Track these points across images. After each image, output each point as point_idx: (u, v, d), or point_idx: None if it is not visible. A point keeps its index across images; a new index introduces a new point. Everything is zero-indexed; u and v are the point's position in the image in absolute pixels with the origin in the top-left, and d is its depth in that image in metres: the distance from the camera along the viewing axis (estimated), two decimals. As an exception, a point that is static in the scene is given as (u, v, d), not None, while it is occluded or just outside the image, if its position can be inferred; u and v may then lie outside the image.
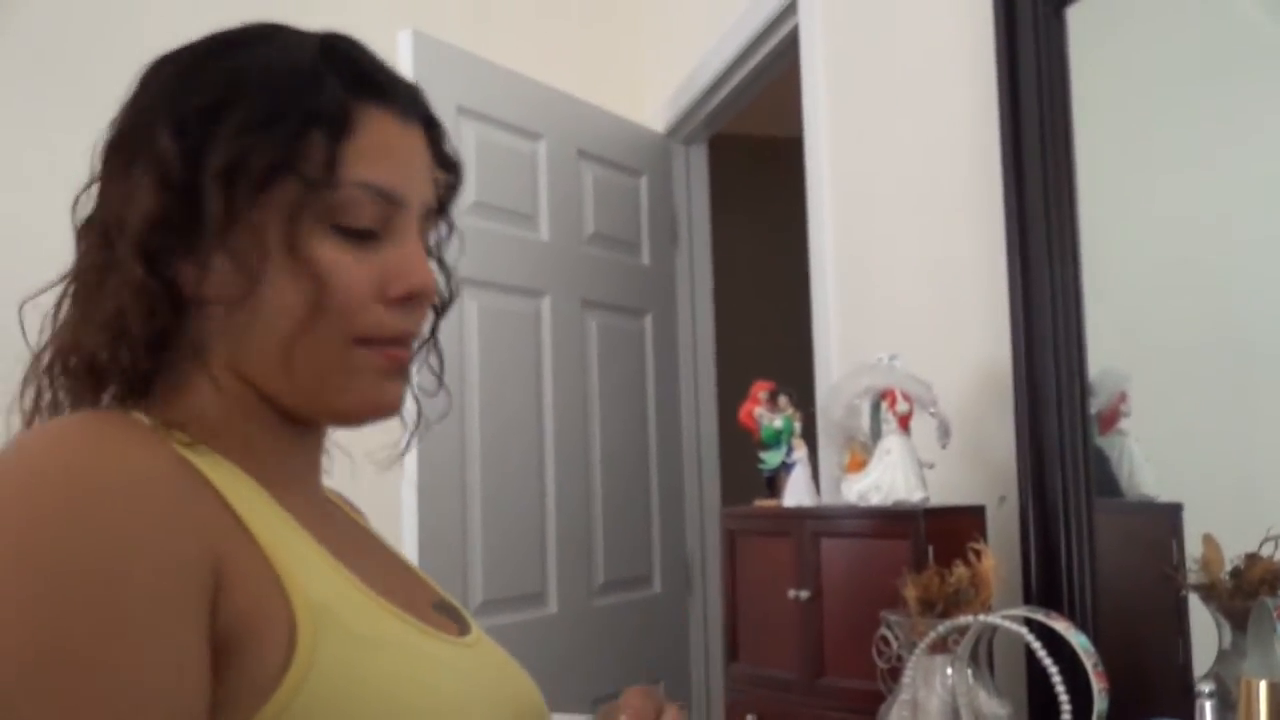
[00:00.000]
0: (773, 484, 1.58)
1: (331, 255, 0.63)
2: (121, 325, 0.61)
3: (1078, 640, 1.07)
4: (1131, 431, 1.38)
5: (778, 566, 1.43)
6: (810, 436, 1.60)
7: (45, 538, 0.51)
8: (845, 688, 1.32)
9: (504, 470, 2.35)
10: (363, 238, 0.64)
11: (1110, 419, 1.39)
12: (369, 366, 0.66)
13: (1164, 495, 1.36)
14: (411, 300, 0.67)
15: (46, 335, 0.65)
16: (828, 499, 1.65)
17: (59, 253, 0.70)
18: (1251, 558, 1.19)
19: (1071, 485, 1.30)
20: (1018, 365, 1.36)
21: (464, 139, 2.32)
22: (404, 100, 0.68)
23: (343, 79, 0.65)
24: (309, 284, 0.62)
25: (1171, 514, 1.31)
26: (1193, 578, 1.24)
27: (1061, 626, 1.08)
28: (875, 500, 1.34)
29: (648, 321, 2.86)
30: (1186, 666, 1.24)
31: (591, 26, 3.19)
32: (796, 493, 1.47)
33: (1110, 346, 1.35)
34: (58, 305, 0.65)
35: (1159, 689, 1.26)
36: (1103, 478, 1.36)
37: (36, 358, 0.65)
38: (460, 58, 2.36)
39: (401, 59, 2.26)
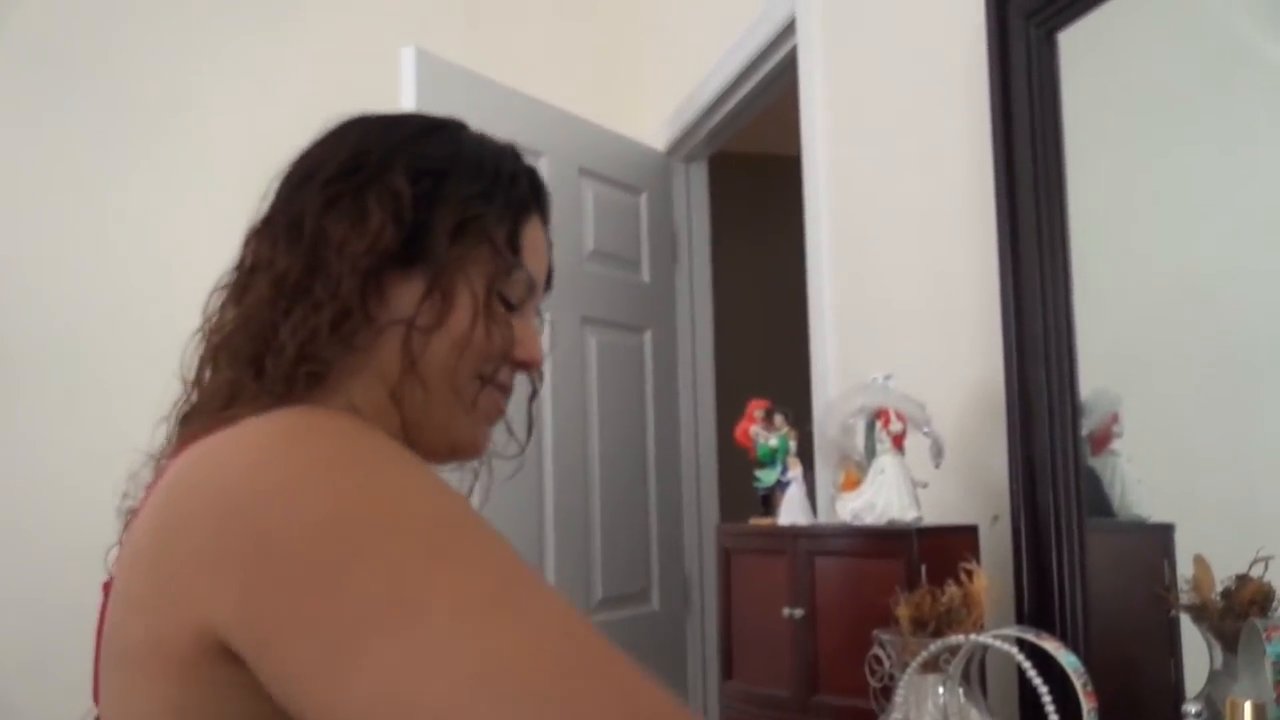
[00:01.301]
0: (768, 502, 1.59)
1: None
2: (316, 327, 0.68)
3: (1067, 660, 1.08)
4: (1124, 452, 1.38)
5: (772, 584, 1.44)
6: (807, 455, 1.61)
7: (387, 460, 0.59)
8: (838, 706, 1.33)
9: (502, 485, 2.35)
10: (509, 309, 0.77)
11: (1102, 439, 1.40)
12: (486, 406, 0.78)
13: (1156, 515, 1.37)
14: (528, 368, 0.81)
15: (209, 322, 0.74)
16: (824, 518, 1.66)
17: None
18: (1242, 579, 1.19)
19: (1063, 505, 1.31)
20: (1010, 385, 1.37)
21: (465, 157, 2.34)
22: (548, 213, 0.84)
23: (527, 183, 0.81)
24: (485, 327, 0.74)
25: (1163, 534, 1.32)
26: (1184, 598, 1.25)
27: (1051, 646, 1.09)
28: (869, 519, 1.35)
29: (647, 338, 2.87)
30: (1178, 687, 1.25)
31: (592, 45, 3.22)
32: (791, 511, 1.48)
33: (1103, 367, 1.36)
34: (230, 297, 0.74)
35: (1150, 710, 1.26)
36: (1095, 498, 1.37)
37: (208, 342, 0.73)
38: (462, 76, 2.38)
39: (404, 76, 2.28)
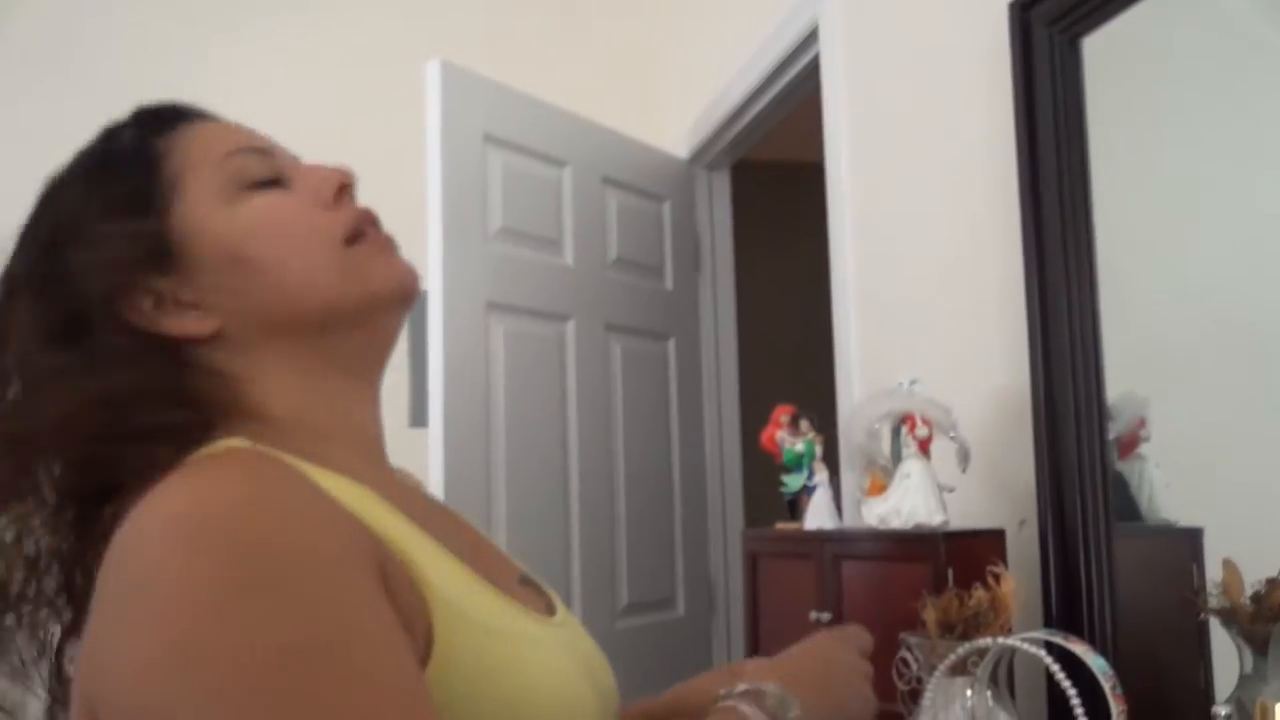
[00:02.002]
0: (794, 507, 1.59)
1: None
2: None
3: (1095, 663, 1.08)
4: (1151, 456, 1.38)
5: (799, 589, 1.44)
6: (833, 460, 1.62)
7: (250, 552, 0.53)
8: (867, 710, 1.33)
9: (528, 492, 2.38)
10: (268, 186, 0.73)
11: (1130, 443, 1.40)
12: (370, 251, 0.73)
13: (1184, 520, 1.37)
14: (341, 193, 0.75)
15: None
16: (849, 522, 1.67)
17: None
18: (1272, 582, 1.19)
19: (1091, 509, 1.31)
20: (1036, 390, 1.37)
21: (490, 166, 2.36)
22: (193, 112, 0.77)
23: (134, 129, 0.75)
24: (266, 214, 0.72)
25: (1192, 538, 1.32)
26: (1213, 602, 1.25)
27: (1080, 649, 1.09)
28: (895, 523, 1.36)
29: (671, 345, 2.88)
30: (1208, 691, 1.25)
31: (615, 54, 3.24)
32: (818, 515, 1.49)
33: (1130, 371, 1.36)
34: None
35: (1180, 713, 1.26)
36: (1123, 502, 1.37)
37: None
38: (486, 87, 2.40)
39: (429, 88, 2.31)
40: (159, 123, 0.73)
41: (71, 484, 0.65)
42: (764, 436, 1.62)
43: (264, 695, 0.48)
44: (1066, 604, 1.31)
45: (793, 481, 1.58)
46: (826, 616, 1.38)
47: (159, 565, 0.52)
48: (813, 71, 2.30)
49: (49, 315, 0.67)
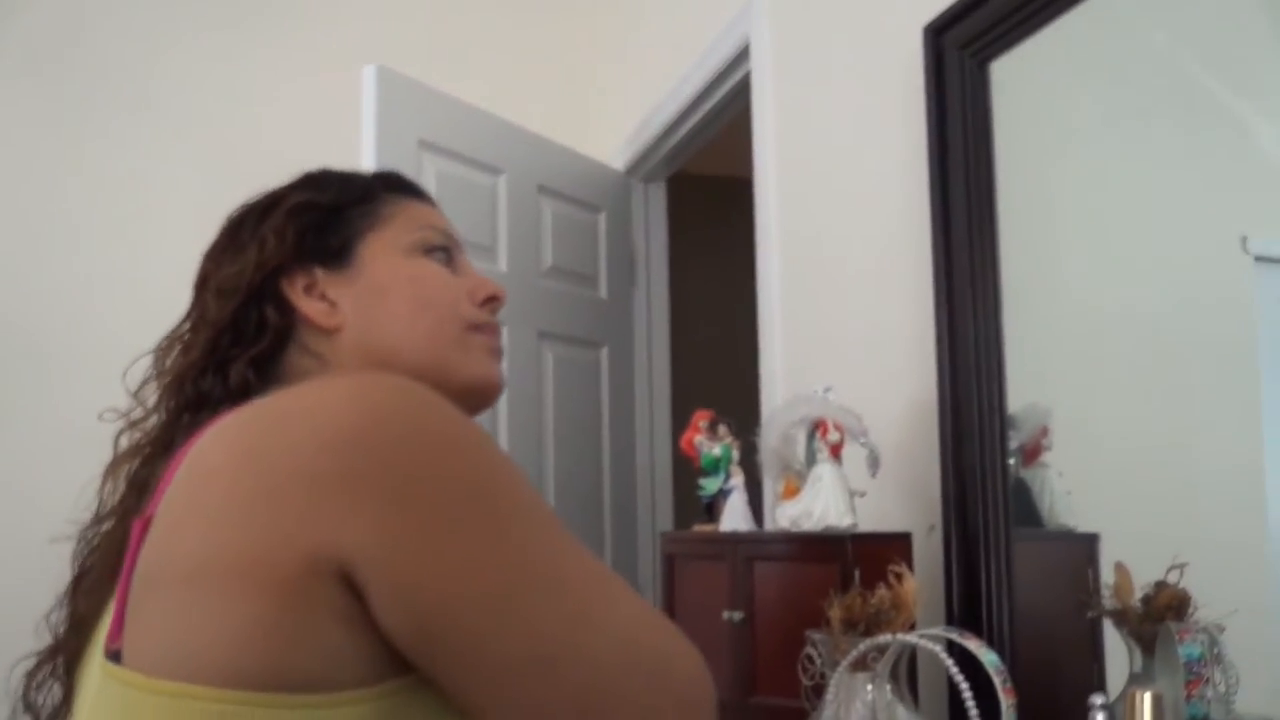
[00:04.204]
0: (711, 510, 1.63)
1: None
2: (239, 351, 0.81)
3: (987, 658, 1.13)
4: (1053, 465, 1.44)
5: (713, 589, 1.48)
6: (755, 465, 1.65)
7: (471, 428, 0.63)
8: (775, 706, 1.37)
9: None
10: (440, 256, 0.88)
11: (1033, 452, 1.46)
12: (475, 345, 0.86)
13: (1082, 525, 1.43)
14: (491, 301, 0.90)
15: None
16: (769, 525, 1.71)
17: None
18: (1160, 585, 1.25)
19: (992, 514, 1.36)
20: (943, 399, 1.43)
21: (425, 172, 2.37)
22: (421, 194, 0.94)
23: (380, 180, 0.93)
24: (422, 276, 0.88)
25: (1089, 543, 1.38)
26: (1106, 604, 1.30)
27: (973, 645, 1.14)
28: (806, 525, 1.40)
29: (604, 354, 2.91)
30: (1100, 688, 1.30)
31: (553, 65, 3.27)
32: (733, 518, 1.52)
33: (1034, 384, 1.42)
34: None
35: (1072, 710, 1.31)
36: (1025, 508, 1.42)
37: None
38: (423, 93, 2.42)
39: (365, 93, 2.31)
40: (400, 185, 0.91)
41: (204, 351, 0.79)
42: (683, 440, 1.65)
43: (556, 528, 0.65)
44: (967, 605, 1.36)
45: (709, 485, 1.61)
46: (739, 616, 1.41)
47: (434, 425, 0.61)
48: (745, 88, 2.35)
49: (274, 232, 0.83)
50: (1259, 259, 1.17)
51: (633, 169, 3.03)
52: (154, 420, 0.79)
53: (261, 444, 0.60)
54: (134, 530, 0.63)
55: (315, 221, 0.84)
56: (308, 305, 0.81)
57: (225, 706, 0.55)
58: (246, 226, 0.85)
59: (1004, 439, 1.38)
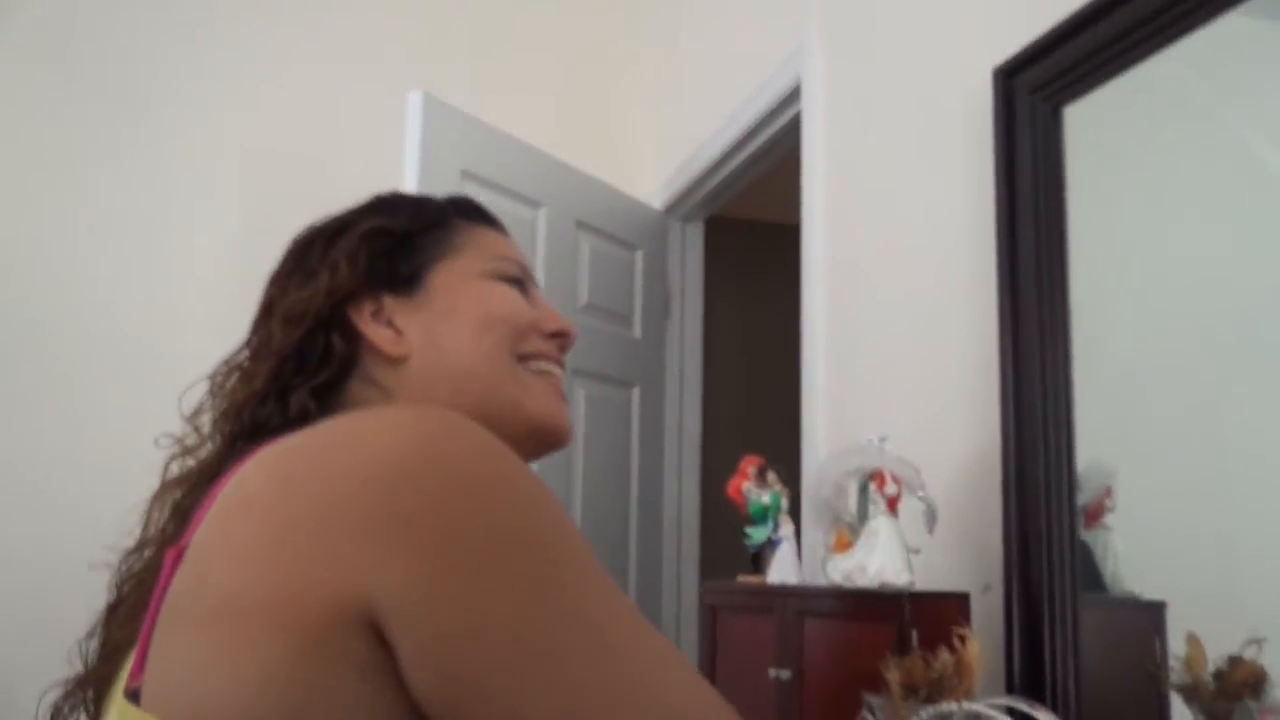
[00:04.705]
0: (757, 560, 1.57)
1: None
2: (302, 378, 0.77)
3: (1060, 732, 1.06)
4: (1115, 526, 1.38)
5: (758, 644, 1.42)
6: (794, 515, 1.60)
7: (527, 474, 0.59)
8: (823, 771, 1.30)
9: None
10: (514, 285, 0.84)
11: (1095, 513, 1.39)
12: (539, 384, 0.82)
13: (1147, 593, 1.36)
14: (560, 336, 0.85)
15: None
16: (809, 578, 1.64)
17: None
18: (1234, 660, 1.19)
19: (1058, 576, 1.30)
20: (1007, 455, 1.37)
21: (466, 203, 2.34)
22: (495, 223, 0.91)
23: (452, 205, 0.90)
24: (492, 300, 0.84)
25: (1154, 612, 1.31)
26: (1175, 677, 1.24)
27: (1045, 718, 1.07)
28: (861, 581, 1.34)
29: (635, 394, 2.86)
30: (1169, 767, 1.23)
31: (597, 100, 3.25)
32: (782, 570, 1.46)
33: (1098, 441, 1.36)
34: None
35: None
36: (1086, 572, 1.36)
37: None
38: (467, 123, 2.39)
39: (409, 119, 2.29)
40: (475, 212, 0.88)
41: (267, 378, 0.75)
42: (730, 486, 1.59)
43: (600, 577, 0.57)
44: (1029, 671, 1.30)
45: (757, 534, 1.55)
46: (786, 674, 1.35)
47: (481, 466, 0.57)
48: (792, 129, 2.32)
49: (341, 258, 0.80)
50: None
51: (671, 208, 3.00)
52: (207, 449, 0.76)
53: (300, 473, 0.56)
54: (166, 560, 0.59)
55: (387, 247, 0.81)
56: (375, 332, 0.78)
57: None
58: (315, 251, 0.81)
59: (1072, 496, 1.32)
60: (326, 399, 0.75)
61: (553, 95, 3.17)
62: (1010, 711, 1.12)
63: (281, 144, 2.84)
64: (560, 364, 0.86)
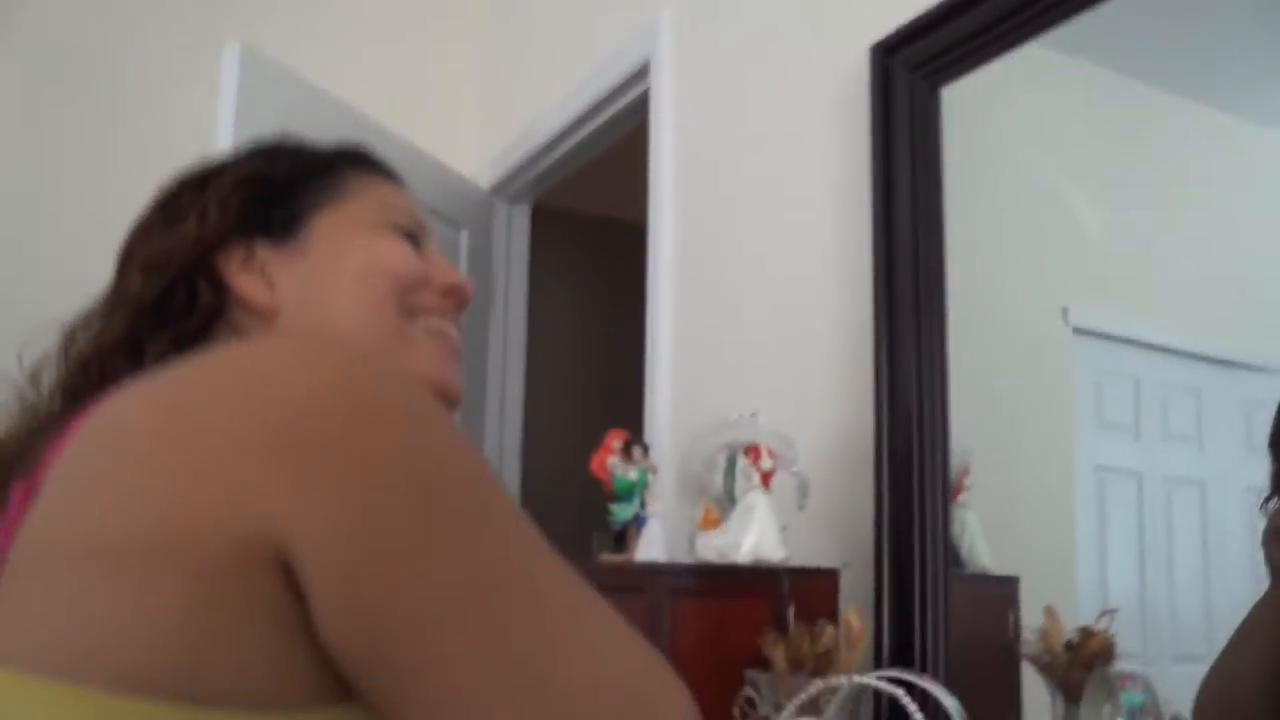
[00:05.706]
0: (622, 538, 1.51)
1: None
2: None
3: (951, 704, 1.06)
4: (972, 504, 1.41)
5: (626, 624, 1.35)
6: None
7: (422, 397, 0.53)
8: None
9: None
10: (409, 240, 0.78)
11: (954, 491, 1.42)
12: (429, 343, 0.75)
13: (998, 568, 1.40)
14: (454, 294, 0.78)
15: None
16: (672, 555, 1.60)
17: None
18: (1087, 631, 1.22)
19: (929, 552, 1.30)
20: (880, 433, 1.36)
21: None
22: (389, 175, 0.84)
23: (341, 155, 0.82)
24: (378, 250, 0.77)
25: (1008, 586, 1.34)
26: (1030, 649, 1.26)
27: (935, 689, 1.07)
28: (735, 557, 1.30)
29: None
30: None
31: (423, 64, 3.10)
32: (650, 548, 1.41)
33: (957, 418, 1.38)
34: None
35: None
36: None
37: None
38: (286, 78, 2.22)
39: (225, 74, 2.11)
40: (368, 163, 0.80)
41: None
42: (594, 462, 1.52)
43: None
44: (900, 645, 1.29)
45: (622, 511, 1.49)
46: (656, 654, 1.29)
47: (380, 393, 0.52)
48: (633, 110, 2.27)
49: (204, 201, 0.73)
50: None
51: (499, 188, 2.90)
52: (47, 405, 0.69)
53: (192, 401, 0.51)
54: (14, 496, 0.54)
55: (264, 194, 0.75)
56: (243, 282, 0.72)
57: (115, 718, 0.46)
58: (184, 197, 0.75)
59: (945, 473, 1.33)
60: (187, 353, 0.65)
61: (378, 56, 2.99)
62: (893, 683, 1.10)
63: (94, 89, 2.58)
64: (455, 323, 0.79)
